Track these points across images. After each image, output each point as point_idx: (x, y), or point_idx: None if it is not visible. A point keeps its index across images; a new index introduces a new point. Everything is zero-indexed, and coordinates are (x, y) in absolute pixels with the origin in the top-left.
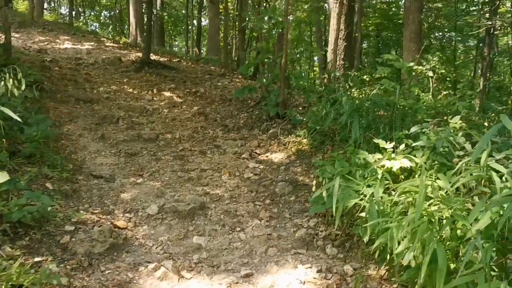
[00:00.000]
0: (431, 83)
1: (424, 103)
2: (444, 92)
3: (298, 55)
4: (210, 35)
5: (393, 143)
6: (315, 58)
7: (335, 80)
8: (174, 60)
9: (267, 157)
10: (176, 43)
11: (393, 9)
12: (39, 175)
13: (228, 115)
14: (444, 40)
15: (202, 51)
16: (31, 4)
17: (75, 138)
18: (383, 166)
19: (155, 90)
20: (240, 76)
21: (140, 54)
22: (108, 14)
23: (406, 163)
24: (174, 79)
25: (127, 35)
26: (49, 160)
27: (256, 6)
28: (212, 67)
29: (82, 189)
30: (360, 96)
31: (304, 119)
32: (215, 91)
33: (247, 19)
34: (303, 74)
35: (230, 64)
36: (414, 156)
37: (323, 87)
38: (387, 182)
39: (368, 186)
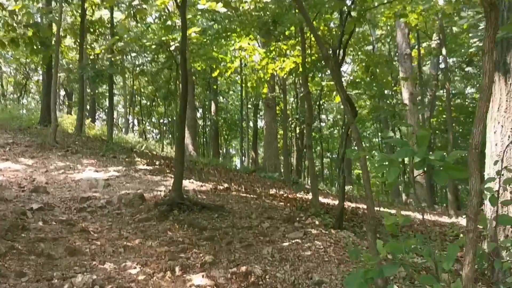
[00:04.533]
0: None
1: None
2: None
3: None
4: (266, 142)
5: None
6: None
7: None
8: (220, 187)
9: None
10: (233, 145)
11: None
12: None
13: None
14: None
15: (259, 152)
16: (53, 124)
17: None
18: None
19: (177, 270)
20: (316, 221)
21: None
22: (166, 121)
23: None
24: (213, 236)
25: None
26: None
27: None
28: (272, 197)
29: None
30: None
31: None
32: (281, 265)
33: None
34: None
35: (291, 180)
36: None
37: None
38: None
39: None
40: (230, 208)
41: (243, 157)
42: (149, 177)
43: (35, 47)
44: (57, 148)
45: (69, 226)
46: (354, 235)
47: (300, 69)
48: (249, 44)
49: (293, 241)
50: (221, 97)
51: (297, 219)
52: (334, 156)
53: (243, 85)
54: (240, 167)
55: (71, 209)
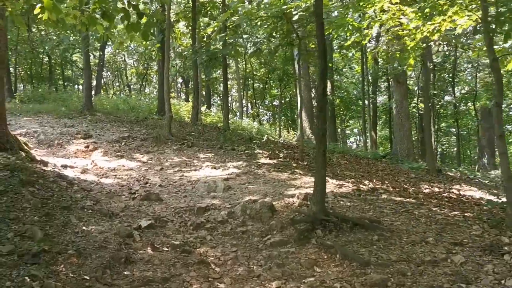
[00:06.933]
0: None
1: None
2: None
3: None
4: (397, 123)
5: None
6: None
7: None
8: (363, 187)
9: None
10: (349, 123)
11: None
12: None
13: None
14: None
15: (377, 132)
16: (167, 115)
17: None
18: None
19: None
20: None
21: (309, 180)
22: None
23: None
24: (385, 280)
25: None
26: None
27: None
28: (436, 200)
29: None
30: None
31: None
32: None
33: None
34: None
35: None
36: None
37: None
38: None
39: None
40: (389, 223)
41: (364, 139)
42: (274, 175)
43: (132, 22)
44: (172, 141)
45: (184, 255)
46: None
47: (460, 29)
48: (392, 3)
49: None
50: (335, 75)
51: (505, 248)
52: (464, 132)
53: (364, 60)
54: (368, 153)
55: (186, 225)
